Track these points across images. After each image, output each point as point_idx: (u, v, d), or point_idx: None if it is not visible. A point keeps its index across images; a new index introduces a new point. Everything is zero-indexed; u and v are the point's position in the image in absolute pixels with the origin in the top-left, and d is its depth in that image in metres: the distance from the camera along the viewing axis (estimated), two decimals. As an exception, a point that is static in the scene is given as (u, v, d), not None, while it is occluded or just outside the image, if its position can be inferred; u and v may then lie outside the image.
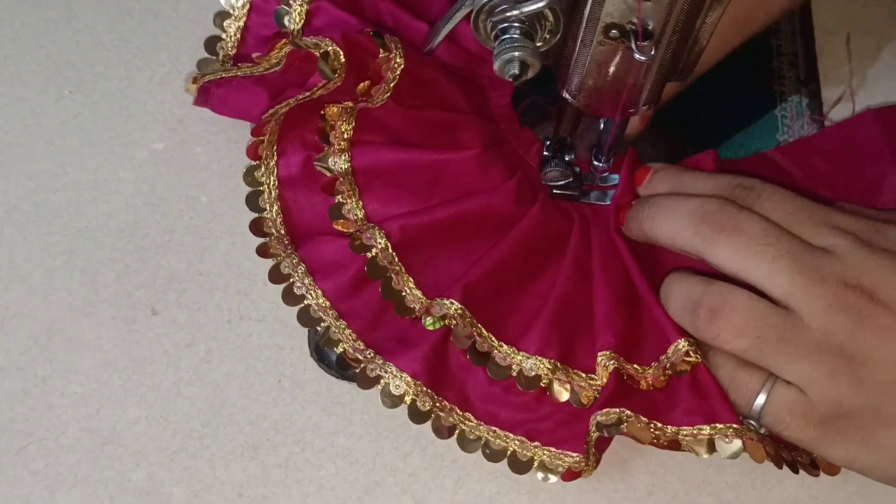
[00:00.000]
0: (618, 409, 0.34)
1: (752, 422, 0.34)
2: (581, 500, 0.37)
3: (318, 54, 0.36)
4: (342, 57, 0.36)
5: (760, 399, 0.33)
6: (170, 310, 0.39)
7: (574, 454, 0.36)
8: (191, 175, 0.42)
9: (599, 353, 0.36)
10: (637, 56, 0.32)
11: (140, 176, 0.42)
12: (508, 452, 0.36)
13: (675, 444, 0.35)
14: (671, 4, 0.31)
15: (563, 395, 0.36)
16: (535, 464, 0.36)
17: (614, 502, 0.37)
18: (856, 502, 0.37)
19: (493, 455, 0.36)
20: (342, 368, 0.37)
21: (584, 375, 0.36)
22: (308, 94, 0.36)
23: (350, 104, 0.38)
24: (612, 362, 0.35)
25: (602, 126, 0.39)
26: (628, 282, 0.38)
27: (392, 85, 0.37)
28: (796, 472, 0.35)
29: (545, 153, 0.41)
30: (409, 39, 0.40)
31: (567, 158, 0.40)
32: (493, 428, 0.36)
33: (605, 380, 0.36)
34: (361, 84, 0.37)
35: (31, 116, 0.43)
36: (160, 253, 0.40)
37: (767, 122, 0.43)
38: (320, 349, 0.38)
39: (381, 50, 0.37)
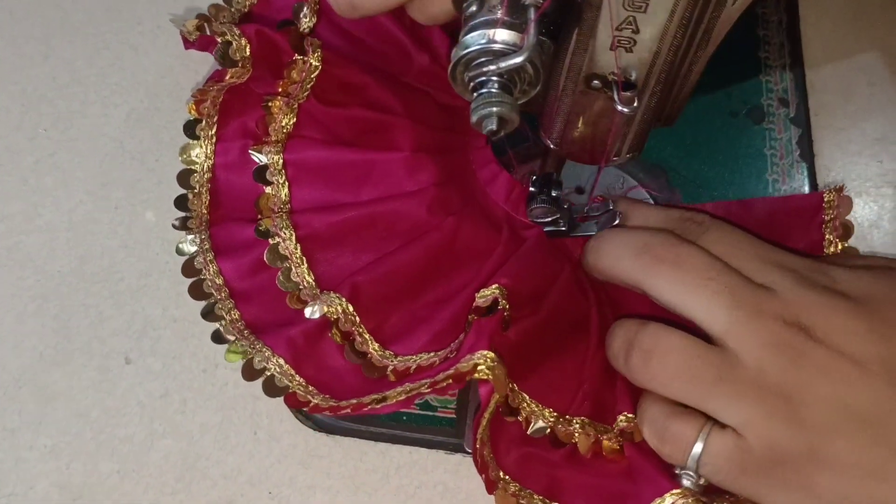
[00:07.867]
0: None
1: (691, 472, 0.33)
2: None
3: (219, 41, 0.37)
4: (247, 50, 0.37)
5: (697, 448, 0.32)
6: (144, 358, 0.38)
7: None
8: (167, 217, 0.41)
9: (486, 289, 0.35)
10: (619, 108, 0.31)
11: (116, 217, 0.41)
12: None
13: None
14: (654, 55, 0.30)
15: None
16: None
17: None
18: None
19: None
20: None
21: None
22: (226, 82, 0.38)
23: (290, 99, 0.39)
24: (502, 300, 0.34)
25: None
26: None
27: (309, 86, 0.38)
28: None
29: (531, 189, 0.40)
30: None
31: (554, 194, 0.39)
32: (353, 400, 0.35)
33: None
34: (281, 82, 0.39)
35: (5, 155, 0.42)
36: (135, 298, 0.39)
37: (757, 161, 0.42)
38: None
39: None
